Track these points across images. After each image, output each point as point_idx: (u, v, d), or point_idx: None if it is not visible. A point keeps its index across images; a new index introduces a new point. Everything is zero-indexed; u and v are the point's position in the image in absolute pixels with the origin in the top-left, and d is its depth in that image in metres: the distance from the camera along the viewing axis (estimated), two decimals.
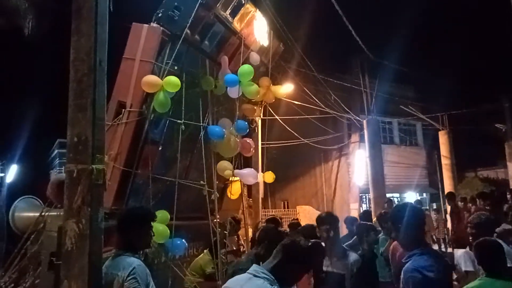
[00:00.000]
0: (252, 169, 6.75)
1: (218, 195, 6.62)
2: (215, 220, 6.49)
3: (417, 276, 2.70)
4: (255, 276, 2.49)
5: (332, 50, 15.70)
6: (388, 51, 14.42)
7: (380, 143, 15.22)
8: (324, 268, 4.05)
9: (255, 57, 7.15)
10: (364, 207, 17.53)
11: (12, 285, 5.47)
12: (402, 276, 2.86)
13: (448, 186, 17.06)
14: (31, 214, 5.64)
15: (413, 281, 2.72)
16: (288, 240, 2.66)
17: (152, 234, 3.47)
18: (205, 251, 6.19)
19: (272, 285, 2.41)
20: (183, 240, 5.58)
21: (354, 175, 16.48)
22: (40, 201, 5.85)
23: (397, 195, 20.00)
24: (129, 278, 3.01)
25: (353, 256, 4.08)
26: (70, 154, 3.37)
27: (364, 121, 14.25)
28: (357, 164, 16.07)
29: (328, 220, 4.20)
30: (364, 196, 17.65)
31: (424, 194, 21.02)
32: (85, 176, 3.29)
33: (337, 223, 4.27)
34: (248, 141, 7.28)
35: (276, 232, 4.09)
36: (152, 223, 3.44)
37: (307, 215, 14.75)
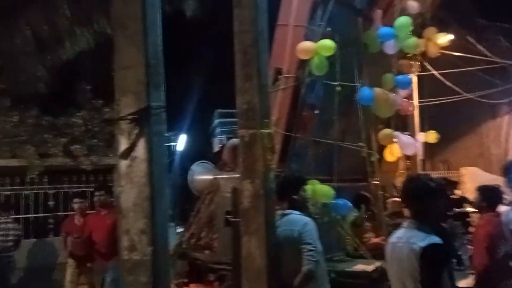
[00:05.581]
0: (412, 139, 6.41)
1: (378, 157, 6.50)
2: (375, 182, 6.41)
3: None
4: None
5: None
6: None
7: None
8: None
9: (413, 5, 6.68)
10: None
11: (194, 239, 6.22)
12: None
13: None
14: (205, 177, 6.26)
15: None
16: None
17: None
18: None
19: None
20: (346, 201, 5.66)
21: None
22: (213, 165, 6.45)
23: None
24: (304, 230, 3.44)
25: None
26: (241, 121, 3.64)
27: None
28: None
29: None
30: None
31: None
32: (255, 140, 3.54)
33: None
34: (409, 100, 6.96)
35: None
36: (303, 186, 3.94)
37: (473, 177, 13.50)
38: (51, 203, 8.70)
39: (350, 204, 5.77)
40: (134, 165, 2.63)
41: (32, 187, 8.86)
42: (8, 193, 8.66)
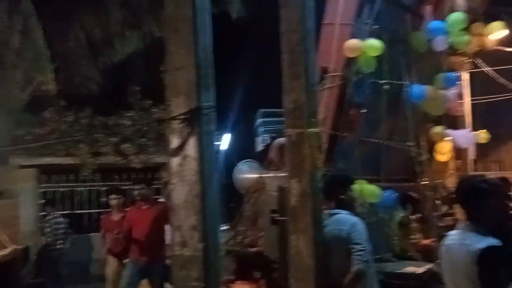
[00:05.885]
0: (467, 130, 6.20)
1: (428, 156, 6.33)
2: (424, 182, 6.25)
3: None
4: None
5: None
6: None
7: None
8: None
9: (461, 3, 6.45)
10: None
11: (240, 237, 6.29)
12: None
13: None
14: (251, 175, 6.32)
15: None
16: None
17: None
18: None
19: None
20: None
21: None
22: (258, 164, 6.49)
23: None
24: (353, 230, 3.40)
25: None
26: (288, 120, 3.66)
27: None
28: None
29: None
30: None
31: None
32: (303, 140, 3.54)
33: None
34: (456, 100, 6.74)
35: None
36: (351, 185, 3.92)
37: None
38: (103, 199, 9.08)
39: (395, 194, 5.64)
40: (185, 163, 2.71)
41: (85, 184, 9.29)
42: (63, 189, 9.12)
